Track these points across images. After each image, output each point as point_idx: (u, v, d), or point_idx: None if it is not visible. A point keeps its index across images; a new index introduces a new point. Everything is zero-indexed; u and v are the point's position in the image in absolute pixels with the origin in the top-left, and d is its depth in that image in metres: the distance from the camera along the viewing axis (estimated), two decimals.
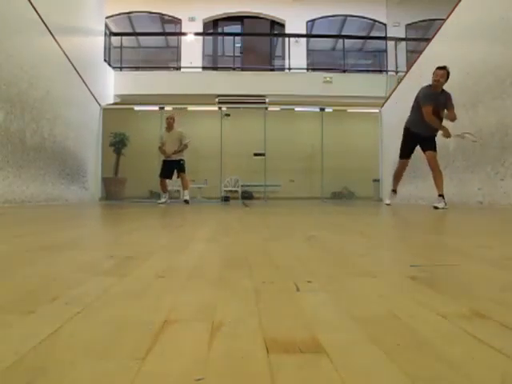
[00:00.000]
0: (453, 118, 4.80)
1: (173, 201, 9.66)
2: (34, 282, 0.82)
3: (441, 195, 4.73)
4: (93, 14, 9.19)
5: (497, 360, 0.44)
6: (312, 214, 4.08)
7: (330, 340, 0.49)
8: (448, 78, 4.76)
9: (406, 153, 5.22)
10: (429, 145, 4.88)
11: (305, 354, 0.45)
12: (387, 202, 5.74)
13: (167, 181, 7.22)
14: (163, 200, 6.98)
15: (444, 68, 4.80)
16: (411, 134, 5.03)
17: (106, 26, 10.78)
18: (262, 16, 12.95)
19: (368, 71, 12.82)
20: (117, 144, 10.25)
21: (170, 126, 7.10)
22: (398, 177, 5.60)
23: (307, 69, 12.27)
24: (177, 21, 12.89)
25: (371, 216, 3.93)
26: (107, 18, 10.92)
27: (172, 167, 6.99)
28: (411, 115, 5.08)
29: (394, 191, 5.66)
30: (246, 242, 1.61)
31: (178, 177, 7.16)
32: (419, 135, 4.93)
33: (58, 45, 6.58)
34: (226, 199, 9.36)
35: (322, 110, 10.69)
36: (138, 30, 13.47)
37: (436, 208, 4.63)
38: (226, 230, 2.27)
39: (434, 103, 4.74)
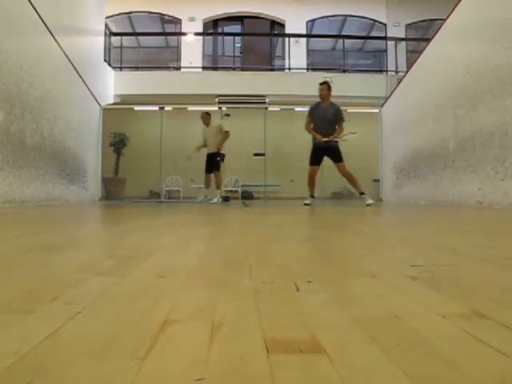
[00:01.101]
0: (339, 133, 5.75)
1: (173, 201, 9.66)
2: (34, 282, 0.82)
3: (362, 193, 5.73)
4: (93, 14, 9.19)
5: (497, 360, 0.44)
6: (312, 214, 4.08)
7: (330, 340, 0.49)
8: (329, 89, 5.83)
9: (315, 160, 5.89)
10: (336, 157, 5.77)
11: (305, 354, 0.45)
12: (307, 201, 6.05)
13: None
14: (215, 200, 7.11)
15: (323, 83, 5.92)
16: (318, 146, 5.80)
17: (106, 26, 10.78)
18: (262, 16, 12.95)
19: (368, 71, 12.82)
20: (117, 144, 10.25)
21: (206, 123, 7.33)
22: (311, 182, 6.06)
23: (307, 69, 12.28)
24: (177, 21, 12.89)
25: (371, 216, 3.93)
26: (107, 18, 10.91)
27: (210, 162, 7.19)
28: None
29: (312, 196, 6.13)
30: (246, 242, 1.61)
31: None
32: (323, 146, 5.70)
33: (58, 45, 6.58)
34: (226, 199, 9.35)
35: None
36: (138, 30, 13.48)
37: (368, 205, 5.41)
38: (226, 230, 2.27)
39: (315, 116, 5.79)
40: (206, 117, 7.34)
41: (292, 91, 10.85)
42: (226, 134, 7.16)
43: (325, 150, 5.74)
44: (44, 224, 2.63)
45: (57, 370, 0.41)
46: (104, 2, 9.99)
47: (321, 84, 5.91)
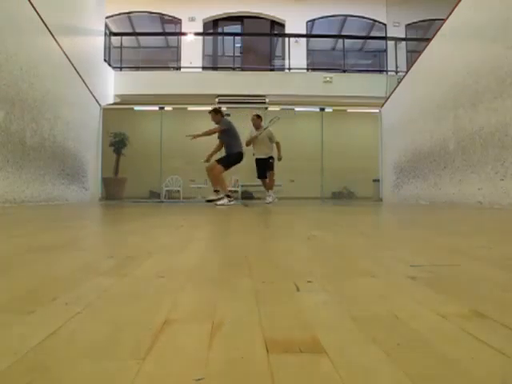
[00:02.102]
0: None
1: (173, 201, 9.67)
2: (33, 282, 0.82)
3: (217, 190, 6.44)
4: (93, 14, 9.19)
5: (497, 360, 0.44)
6: (312, 214, 4.08)
7: (330, 340, 0.49)
8: (216, 113, 6.52)
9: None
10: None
11: (305, 354, 0.45)
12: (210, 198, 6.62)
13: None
14: (270, 200, 7.02)
15: (211, 111, 6.58)
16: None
17: (106, 25, 10.78)
18: (262, 16, 12.95)
19: (368, 71, 12.82)
20: (117, 144, 10.25)
21: (257, 126, 7.08)
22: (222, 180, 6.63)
23: (307, 69, 12.27)
24: (177, 21, 12.89)
25: (371, 216, 3.93)
26: (107, 17, 10.92)
27: (263, 165, 7.08)
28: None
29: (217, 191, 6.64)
30: (245, 242, 1.61)
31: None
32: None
33: (58, 45, 6.58)
34: None
35: (322, 109, 10.69)
36: (137, 30, 13.48)
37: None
38: (226, 230, 2.27)
39: None
40: (257, 120, 7.11)
41: (292, 91, 10.86)
42: (279, 145, 7.25)
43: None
44: (44, 224, 2.63)
45: (57, 370, 0.41)
46: (104, 2, 9.99)
47: (209, 112, 6.59)
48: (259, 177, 7.23)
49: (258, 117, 7.16)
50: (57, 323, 0.55)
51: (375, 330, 0.53)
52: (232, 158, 6.44)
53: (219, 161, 6.36)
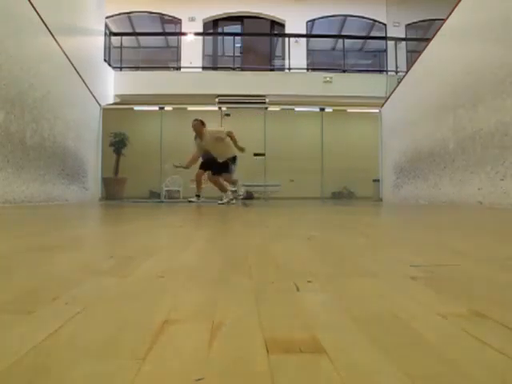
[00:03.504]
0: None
1: (172, 201, 9.66)
2: (33, 282, 0.82)
3: (234, 191, 6.97)
4: (93, 14, 9.19)
5: (497, 360, 0.44)
6: (312, 214, 4.08)
7: (330, 340, 0.49)
8: (203, 126, 6.28)
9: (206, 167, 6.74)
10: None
11: (305, 354, 0.45)
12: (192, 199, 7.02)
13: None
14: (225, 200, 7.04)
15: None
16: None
17: (106, 26, 10.78)
18: (262, 16, 12.95)
19: (368, 71, 12.83)
20: (117, 144, 10.25)
21: (199, 133, 6.20)
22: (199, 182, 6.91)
23: (307, 69, 12.28)
24: (177, 21, 12.90)
25: (371, 216, 3.93)
26: (107, 17, 10.92)
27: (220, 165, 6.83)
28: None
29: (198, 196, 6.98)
30: (245, 242, 1.61)
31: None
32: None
33: (58, 45, 6.58)
34: None
35: (322, 109, 10.69)
36: (137, 30, 13.48)
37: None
38: (226, 231, 2.27)
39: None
40: (201, 126, 6.13)
41: (292, 91, 10.86)
42: (233, 134, 6.18)
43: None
44: (44, 224, 2.63)
45: (57, 370, 0.41)
46: (104, 2, 9.99)
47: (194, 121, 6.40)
48: (213, 172, 6.61)
49: (202, 123, 6.16)
50: (57, 323, 0.54)
51: (375, 330, 0.53)
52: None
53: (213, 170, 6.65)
